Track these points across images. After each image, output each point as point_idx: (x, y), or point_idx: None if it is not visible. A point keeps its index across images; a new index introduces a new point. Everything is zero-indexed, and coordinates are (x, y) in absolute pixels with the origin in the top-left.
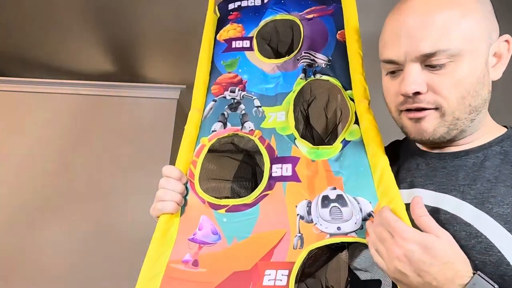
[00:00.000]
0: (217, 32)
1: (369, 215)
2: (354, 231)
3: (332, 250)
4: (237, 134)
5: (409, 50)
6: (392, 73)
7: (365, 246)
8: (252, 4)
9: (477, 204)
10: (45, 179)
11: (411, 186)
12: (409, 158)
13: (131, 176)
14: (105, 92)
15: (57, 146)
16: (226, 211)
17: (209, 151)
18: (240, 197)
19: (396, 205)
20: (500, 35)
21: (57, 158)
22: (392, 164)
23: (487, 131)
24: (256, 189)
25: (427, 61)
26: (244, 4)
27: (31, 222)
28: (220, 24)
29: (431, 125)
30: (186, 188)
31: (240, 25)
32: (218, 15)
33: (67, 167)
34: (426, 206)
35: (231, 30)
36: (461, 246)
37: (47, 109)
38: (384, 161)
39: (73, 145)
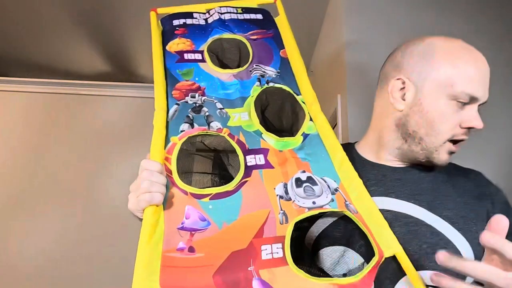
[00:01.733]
0: (165, 43)
1: (336, 190)
2: (327, 203)
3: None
4: (206, 132)
5: (484, 94)
6: (460, 103)
7: (329, 244)
8: (197, 23)
9: (430, 209)
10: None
11: (376, 195)
12: (362, 169)
13: (128, 175)
14: (104, 92)
15: (54, 146)
16: (210, 199)
17: (181, 150)
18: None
19: (357, 184)
20: (501, 35)
21: (54, 159)
22: None
23: None
24: (236, 177)
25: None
26: (189, 22)
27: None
28: (167, 36)
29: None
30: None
31: (188, 40)
32: (161, 28)
33: (65, 168)
34: (391, 211)
35: (180, 43)
36: (429, 243)
37: (42, 108)
38: (342, 151)
39: (71, 145)
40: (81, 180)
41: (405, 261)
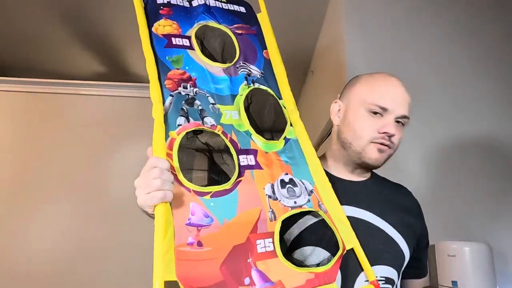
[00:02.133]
0: (150, 23)
1: (311, 192)
2: (305, 203)
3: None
4: (202, 128)
5: (398, 108)
6: (374, 114)
7: (305, 239)
8: (181, 4)
9: (381, 216)
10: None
11: (341, 204)
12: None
13: (124, 174)
14: (104, 92)
15: (55, 145)
16: (211, 196)
17: (180, 146)
18: (218, 184)
19: (328, 188)
20: (500, 35)
21: (53, 157)
22: None
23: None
24: (233, 176)
25: (401, 119)
26: (173, 1)
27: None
28: (152, 16)
29: (384, 158)
30: None
31: (175, 22)
32: (143, 4)
33: (66, 165)
34: (355, 218)
35: (166, 26)
36: (383, 244)
37: (40, 107)
38: (316, 158)
39: (73, 144)
40: (80, 178)
41: (360, 254)
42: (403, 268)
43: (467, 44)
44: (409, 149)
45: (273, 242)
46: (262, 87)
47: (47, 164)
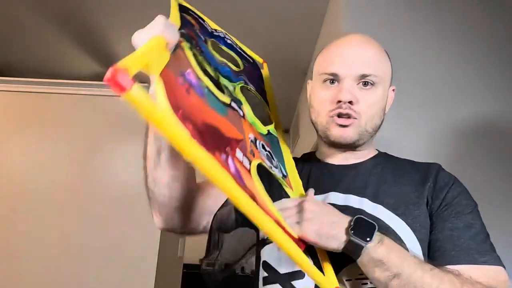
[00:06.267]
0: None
1: (285, 176)
2: (281, 177)
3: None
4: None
5: (352, 69)
6: (331, 83)
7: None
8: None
9: (372, 199)
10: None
11: (324, 191)
12: (316, 170)
13: (122, 174)
14: (103, 92)
15: (56, 145)
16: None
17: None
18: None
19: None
20: (499, 34)
21: (50, 157)
22: (305, 174)
23: (370, 150)
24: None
25: (362, 80)
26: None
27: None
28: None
29: (352, 131)
30: None
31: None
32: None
33: (62, 165)
34: (337, 205)
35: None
36: None
37: (49, 108)
38: (292, 161)
39: (70, 143)
40: (74, 178)
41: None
42: None
43: (468, 37)
44: (413, 133)
45: (249, 163)
46: (253, 90)
47: (43, 165)
